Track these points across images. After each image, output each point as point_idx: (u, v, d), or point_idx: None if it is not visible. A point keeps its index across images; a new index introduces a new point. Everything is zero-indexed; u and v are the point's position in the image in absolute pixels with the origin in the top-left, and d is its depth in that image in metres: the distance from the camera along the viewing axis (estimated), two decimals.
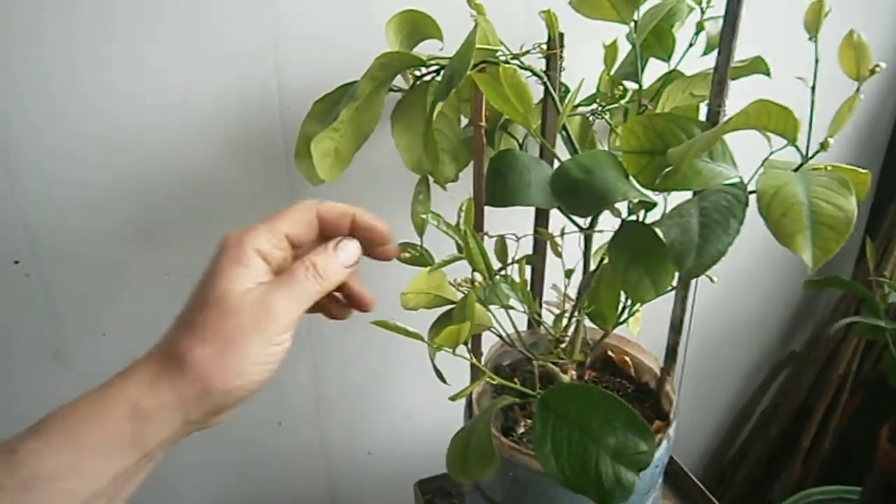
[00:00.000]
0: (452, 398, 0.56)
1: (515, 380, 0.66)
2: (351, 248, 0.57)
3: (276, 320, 0.48)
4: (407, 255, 0.72)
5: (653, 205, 0.68)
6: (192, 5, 0.81)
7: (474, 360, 0.57)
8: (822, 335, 1.42)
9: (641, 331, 0.89)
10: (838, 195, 0.55)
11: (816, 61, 0.59)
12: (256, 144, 0.92)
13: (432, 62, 0.72)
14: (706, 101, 0.84)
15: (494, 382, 0.57)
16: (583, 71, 0.84)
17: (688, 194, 0.67)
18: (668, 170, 0.65)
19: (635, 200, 0.68)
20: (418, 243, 0.75)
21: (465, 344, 0.64)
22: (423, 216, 0.70)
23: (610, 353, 0.87)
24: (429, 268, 0.63)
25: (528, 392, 0.61)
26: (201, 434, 1.01)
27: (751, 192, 0.61)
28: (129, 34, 0.80)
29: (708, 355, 1.44)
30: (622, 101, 0.89)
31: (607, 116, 0.88)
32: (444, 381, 0.73)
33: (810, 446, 1.40)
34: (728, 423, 1.57)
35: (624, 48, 0.85)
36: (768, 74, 0.81)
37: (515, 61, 0.70)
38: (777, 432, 1.44)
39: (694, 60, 0.81)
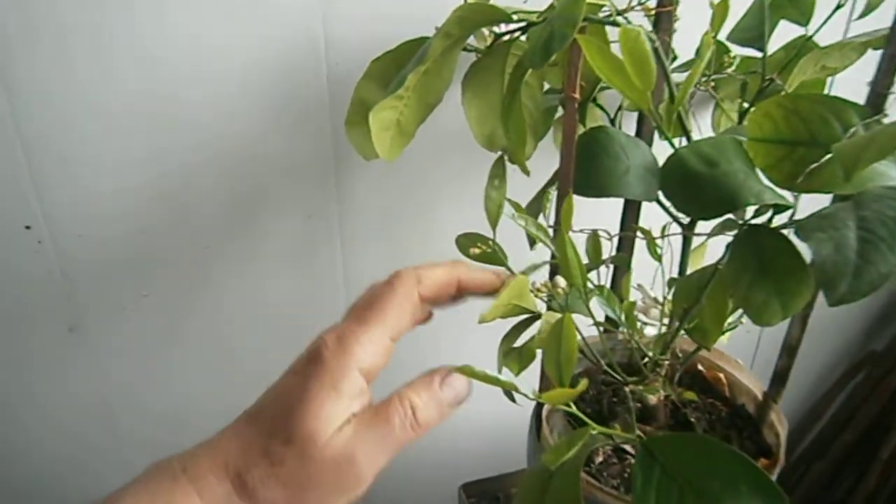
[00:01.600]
0: (547, 462, 0.44)
1: (586, 395, 0.54)
2: (458, 385, 0.49)
3: (360, 478, 0.44)
4: (477, 250, 0.61)
5: (786, 208, 0.55)
6: None
7: (574, 410, 0.46)
8: None
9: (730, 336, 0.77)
10: None
11: None
12: (298, 106, 0.80)
13: (518, 18, 0.59)
14: (837, 69, 0.71)
15: (594, 432, 0.45)
16: (683, 36, 0.70)
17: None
18: (813, 166, 0.52)
19: (769, 202, 0.55)
20: (489, 236, 0.63)
21: None
22: (502, 204, 0.57)
23: (700, 366, 0.75)
24: (511, 282, 0.52)
25: (628, 437, 0.49)
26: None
27: None
28: None
29: (778, 340, 1.31)
30: (730, 70, 0.75)
31: (713, 88, 0.75)
32: (512, 399, 0.62)
33: (889, 458, 1.27)
34: (795, 420, 1.44)
35: (737, 7, 0.71)
36: None
37: (622, 19, 0.57)
38: (852, 440, 1.32)
39: (835, 26, 0.66)
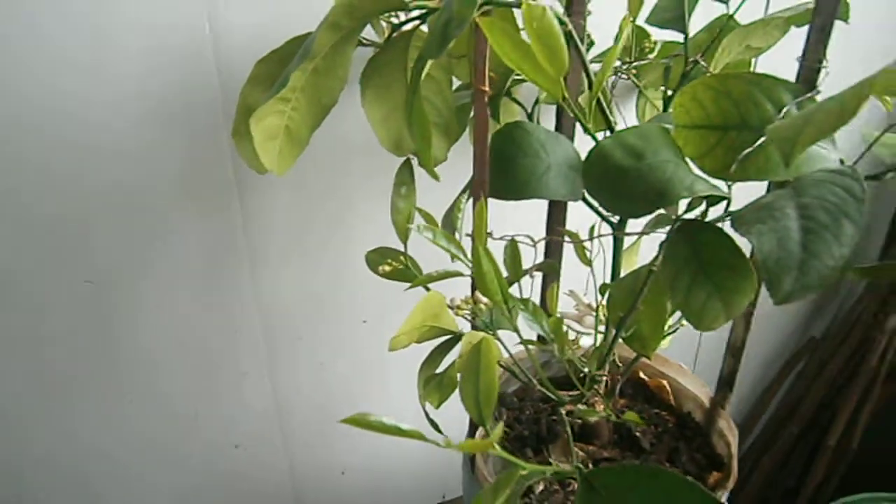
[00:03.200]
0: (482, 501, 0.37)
1: (523, 416, 0.48)
2: None
3: None
4: (387, 268, 0.54)
5: (721, 199, 0.50)
6: None
7: (502, 453, 0.39)
8: (849, 321, 1.27)
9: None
10: None
11: None
12: (187, 117, 0.72)
13: (416, 5, 0.53)
14: (762, 49, 0.67)
15: (525, 473, 0.39)
16: (598, 21, 0.66)
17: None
18: (747, 152, 0.47)
19: (703, 194, 0.50)
20: (400, 249, 0.56)
21: None
22: (411, 213, 0.51)
23: (642, 374, 0.70)
24: (423, 299, 0.45)
25: (565, 472, 0.43)
26: (151, 463, 0.83)
27: (867, 179, 0.44)
28: None
29: (721, 338, 1.28)
30: (651, 56, 0.71)
31: (634, 75, 0.70)
32: (439, 431, 0.55)
33: (837, 445, 1.25)
34: (742, 414, 1.42)
35: None
36: (846, 19, 0.63)
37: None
38: (798, 429, 1.30)
39: (755, 3, 0.62)
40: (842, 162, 0.47)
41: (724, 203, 0.51)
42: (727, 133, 0.48)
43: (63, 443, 0.86)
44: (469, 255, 0.50)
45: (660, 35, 0.69)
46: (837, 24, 0.53)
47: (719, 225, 0.49)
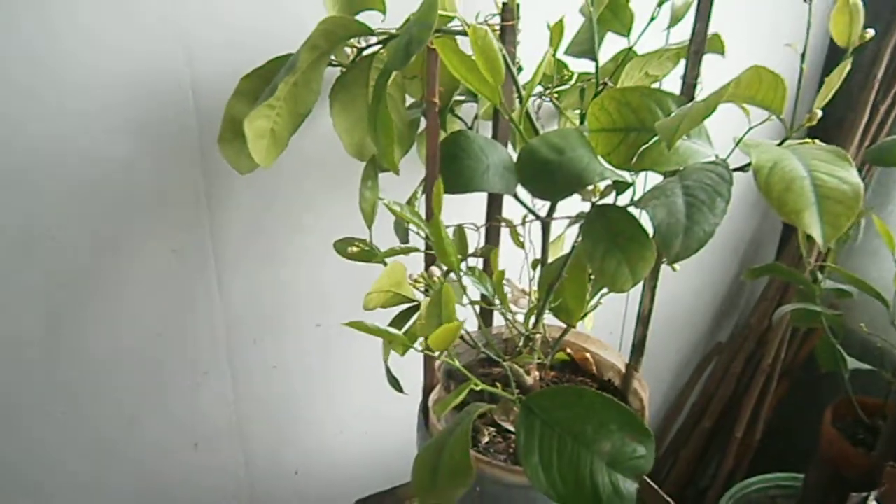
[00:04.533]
0: (437, 411, 0.48)
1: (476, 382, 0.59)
2: None
3: None
4: (355, 248, 0.64)
5: (627, 185, 0.63)
6: None
7: (456, 365, 0.50)
8: (748, 325, 1.43)
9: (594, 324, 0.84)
10: (839, 168, 0.51)
11: (809, 26, 0.55)
12: (161, 132, 0.81)
13: (380, 31, 0.64)
14: (658, 77, 0.81)
15: (478, 388, 0.49)
16: (527, 52, 0.78)
17: (657, 176, 0.63)
18: (643, 147, 0.60)
19: (609, 181, 0.62)
20: (364, 237, 0.67)
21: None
22: (377, 202, 0.61)
23: (569, 350, 0.81)
24: (385, 260, 0.55)
25: (509, 396, 0.54)
26: (108, 464, 0.88)
27: (734, 170, 0.57)
28: None
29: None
30: (570, 83, 0.84)
31: (556, 99, 0.83)
32: (400, 390, 0.65)
33: (743, 435, 1.40)
34: (660, 417, 1.56)
35: (571, 27, 0.80)
36: (722, 53, 0.78)
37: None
38: (710, 425, 1.44)
39: (653, 35, 0.76)
40: (717, 156, 0.60)
41: (631, 193, 0.64)
42: (629, 134, 0.61)
43: (14, 446, 0.89)
44: (426, 233, 0.61)
45: (576, 65, 0.83)
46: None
47: (626, 208, 0.62)
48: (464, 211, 0.74)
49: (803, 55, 0.55)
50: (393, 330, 0.45)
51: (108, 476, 0.97)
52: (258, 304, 0.98)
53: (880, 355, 1.03)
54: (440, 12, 0.60)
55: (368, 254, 0.63)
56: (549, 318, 0.73)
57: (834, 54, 1.27)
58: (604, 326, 1.07)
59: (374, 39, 0.66)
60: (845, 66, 0.55)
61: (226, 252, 0.92)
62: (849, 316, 1.12)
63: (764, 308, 1.40)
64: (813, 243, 1.34)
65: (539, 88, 0.84)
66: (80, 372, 0.89)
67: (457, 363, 0.47)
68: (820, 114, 0.56)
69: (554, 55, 0.81)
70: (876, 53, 1.21)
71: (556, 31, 0.78)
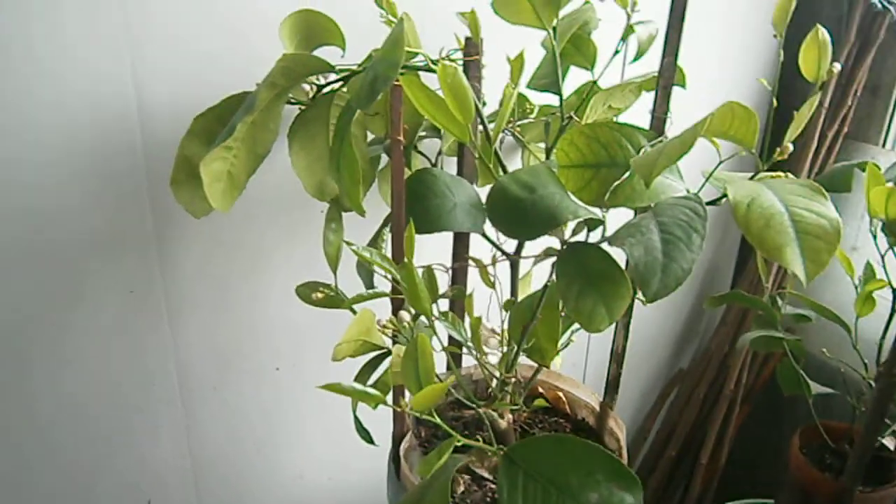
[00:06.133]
0: (422, 472, 0.45)
1: (439, 432, 0.56)
2: None
3: None
4: (319, 295, 0.61)
5: (599, 223, 0.62)
6: None
7: (437, 421, 0.47)
8: (709, 351, 1.44)
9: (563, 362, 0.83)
10: (815, 202, 0.51)
11: (781, 63, 0.55)
12: (109, 175, 0.77)
13: (341, 68, 0.62)
14: (621, 110, 0.81)
15: (459, 444, 0.47)
16: (486, 86, 0.77)
17: (628, 213, 0.61)
18: (616, 184, 0.59)
19: (582, 219, 0.61)
20: (327, 278, 0.64)
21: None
22: (341, 246, 0.59)
23: (541, 389, 0.79)
24: (350, 308, 0.52)
25: (490, 448, 0.51)
26: None
27: (707, 204, 0.57)
28: None
29: (600, 376, 1.41)
30: (532, 117, 0.84)
31: (519, 133, 0.82)
32: (371, 441, 0.62)
33: (709, 461, 1.40)
34: (627, 443, 1.54)
35: (531, 61, 0.79)
36: (684, 86, 0.78)
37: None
38: (675, 453, 1.43)
39: (615, 69, 0.76)
40: (688, 191, 0.60)
41: (602, 230, 0.63)
42: (599, 170, 0.59)
43: None
44: (395, 276, 0.59)
45: (538, 99, 0.82)
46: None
47: (600, 245, 0.61)
48: (428, 251, 0.72)
49: (774, 89, 0.55)
50: (370, 390, 0.42)
51: None
52: (215, 349, 0.94)
53: (842, 379, 1.04)
54: (405, 49, 0.58)
55: (335, 300, 0.60)
56: (520, 358, 0.71)
57: (788, 85, 1.30)
58: (567, 359, 1.05)
59: (333, 76, 0.64)
60: (814, 101, 0.55)
61: (178, 295, 0.88)
62: (808, 339, 1.13)
63: (724, 333, 1.41)
64: (771, 268, 1.36)
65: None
66: (28, 431, 0.83)
67: (437, 419, 0.45)
68: (791, 147, 0.55)
69: (515, 88, 0.80)
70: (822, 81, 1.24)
71: (517, 64, 0.77)
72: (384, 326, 0.60)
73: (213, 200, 0.58)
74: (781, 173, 0.57)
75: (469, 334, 0.59)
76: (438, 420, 0.45)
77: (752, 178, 0.58)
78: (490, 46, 0.78)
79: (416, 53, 0.60)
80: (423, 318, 0.60)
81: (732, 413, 1.39)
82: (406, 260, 0.51)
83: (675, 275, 0.53)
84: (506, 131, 0.82)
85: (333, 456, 1.11)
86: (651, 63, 0.74)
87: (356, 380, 0.60)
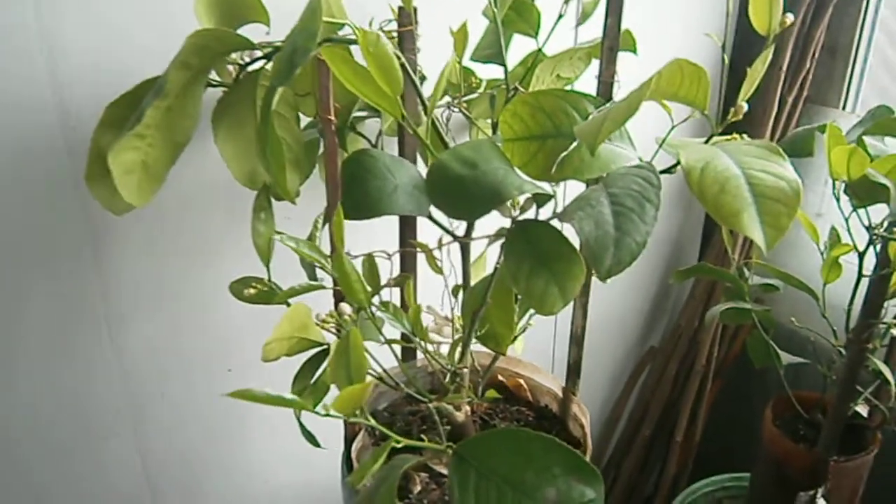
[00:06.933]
0: (352, 482, 0.41)
1: (394, 429, 0.52)
2: None
3: None
4: (252, 290, 0.57)
5: (548, 197, 0.58)
6: None
7: (372, 423, 0.43)
8: (679, 327, 1.41)
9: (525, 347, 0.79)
10: (773, 164, 0.47)
11: (728, 14, 0.51)
12: (34, 178, 0.71)
13: (264, 44, 0.57)
14: (571, 79, 0.77)
15: (400, 446, 0.43)
16: (431, 62, 0.73)
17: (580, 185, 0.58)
18: (563, 155, 0.55)
19: (529, 195, 0.57)
20: (264, 276, 0.59)
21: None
22: (272, 237, 0.54)
23: (501, 377, 0.76)
24: (284, 303, 0.48)
25: (437, 447, 0.47)
26: None
27: (661, 173, 0.53)
28: None
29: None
30: (480, 91, 0.79)
31: (465, 109, 0.78)
32: (316, 444, 0.58)
33: (684, 439, 1.38)
34: (599, 427, 1.52)
35: (477, 32, 0.75)
36: (634, 51, 0.74)
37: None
38: (650, 432, 1.41)
39: (563, 35, 0.72)
40: (641, 159, 0.56)
41: (553, 206, 0.59)
42: (545, 141, 0.55)
43: None
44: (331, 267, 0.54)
45: (485, 72, 0.78)
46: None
47: (549, 222, 0.57)
48: (375, 237, 0.67)
49: (725, 45, 0.51)
50: (289, 396, 0.38)
51: None
52: (161, 354, 0.89)
53: (812, 348, 1.02)
54: (327, 19, 0.53)
55: (268, 295, 0.55)
56: (477, 345, 0.67)
57: (744, 46, 1.27)
58: (534, 346, 1.01)
59: (259, 53, 0.59)
60: (767, 55, 0.51)
61: (117, 299, 0.82)
62: (776, 310, 1.11)
63: (693, 308, 1.39)
64: (737, 240, 1.34)
65: (447, 98, 0.78)
66: None
67: (372, 421, 0.41)
68: (746, 107, 0.52)
69: (460, 62, 0.76)
70: (779, 44, 1.21)
71: (460, 36, 0.72)
72: (323, 321, 0.55)
73: (126, 193, 0.53)
74: (738, 135, 0.54)
75: (410, 326, 0.55)
76: (372, 421, 0.40)
77: (706, 142, 0.54)
78: (434, 19, 0.74)
79: (343, 24, 0.55)
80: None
81: (705, 389, 1.37)
82: (336, 248, 0.47)
83: (628, 249, 0.49)
84: (452, 108, 0.78)
85: (299, 457, 1.06)
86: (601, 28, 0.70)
87: (295, 379, 0.56)
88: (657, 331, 1.52)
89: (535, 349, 1.17)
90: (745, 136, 0.53)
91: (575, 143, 0.54)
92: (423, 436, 0.67)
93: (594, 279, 0.61)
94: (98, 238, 0.78)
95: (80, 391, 0.84)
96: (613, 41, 0.56)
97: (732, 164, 0.48)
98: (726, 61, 0.51)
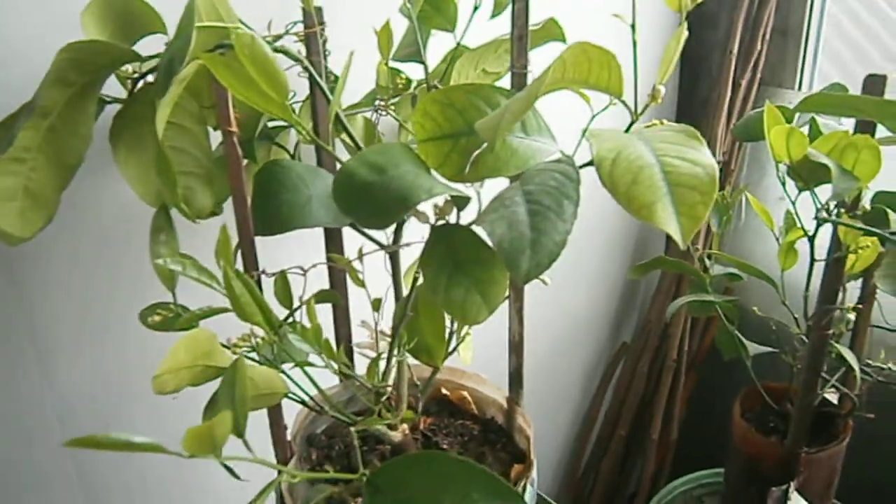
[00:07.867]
0: None
1: (333, 453, 0.49)
2: None
3: None
4: (157, 318, 0.53)
5: (466, 200, 0.54)
6: None
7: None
8: (649, 321, 1.38)
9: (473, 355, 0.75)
10: (689, 149, 0.44)
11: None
12: None
13: (152, 56, 0.54)
14: (500, 74, 0.73)
15: (296, 480, 0.39)
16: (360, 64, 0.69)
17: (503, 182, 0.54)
18: (477, 153, 0.52)
19: (444, 198, 0.53)
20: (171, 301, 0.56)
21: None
22: (167, 263, 0.50)
23: (444, 390, 0.72)
24: (186, 337, 0.44)
25: (349, 477, 0.43)
26: None
27: (581, 167, 0.50)
28: None
29: (541, 363, 1.34)
30: (408, 92, 0.76)
31: (393, 111, 0.74)
32: (236, 477, 0.54)
33: (660, 437, 1.34)
34: (576, 429, 1.48)
35: (399, 30, 0.72)
36: (563, 40, 0.71)
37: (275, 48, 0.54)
38: (626, 431, 1.38)
39: (483, 28, 0.69)
40: (563, 153, 0.53)
41: (477, 206, 0.55)
42: (458, 140, 0.52)
43: None
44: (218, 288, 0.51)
45: (417, 73, 0.75)
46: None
47: (469, 227, 0.53)
48: (298, 252, 0.64)
49: (633, 26, 0.48)
50: (137, 439, 0.34)
51: None
52: (99, 386, 0.84)
53: (777, 337, 0.99)
54: (213, 24, 0.50)
55: (173, 322, 0.51)
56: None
57: (698, 29, 1.24)
58: (484, 355, 0.97)
59: (148, 65, 0.55)
60: (681, 33, 0.48)
61: (47, 331, 0.78)
62: (746, 299, 1.08)
63: (660, 302, 1.36)
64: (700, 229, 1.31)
65: (377, 102, 0.75)
66: None
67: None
68: (663, 90, 0.49)
69: (386, 63, 0.72)
70: (729, 27, 1.19)
71: (384, 36, 0.69)
72: (235, 345, 0.52)
73: (6, 223, 0.49)
74: (657, 121, 0.51)
75: (317, 346, 0.51)
76: (265, 461, 0.37)
77: (626, 131, 0.51)
78: (359, 21, 0.70)
79: (233, 29, 0.51)
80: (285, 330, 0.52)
81: (678, 384, 1.34)
82: (224, 269, 0.43)
83: (546, 250, 0.46)
84: (380, 112, 0.74)
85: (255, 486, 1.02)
86: (536, 18, 0.67)
87: (206, 413, 0.52)
88: (628, 326, 1.49)
89: (486, 358, 1.14)
90: (664, 122, 0.50)
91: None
92: (366, 467, 0.63)
93: (549, 279, 0.58)
94: (19, 270, 0.74)
95: (15, 434, 0.80)
96: (522, 29, 0.53)
97: (647, 152, 0.44)
98: (634, 40, 0.48)
